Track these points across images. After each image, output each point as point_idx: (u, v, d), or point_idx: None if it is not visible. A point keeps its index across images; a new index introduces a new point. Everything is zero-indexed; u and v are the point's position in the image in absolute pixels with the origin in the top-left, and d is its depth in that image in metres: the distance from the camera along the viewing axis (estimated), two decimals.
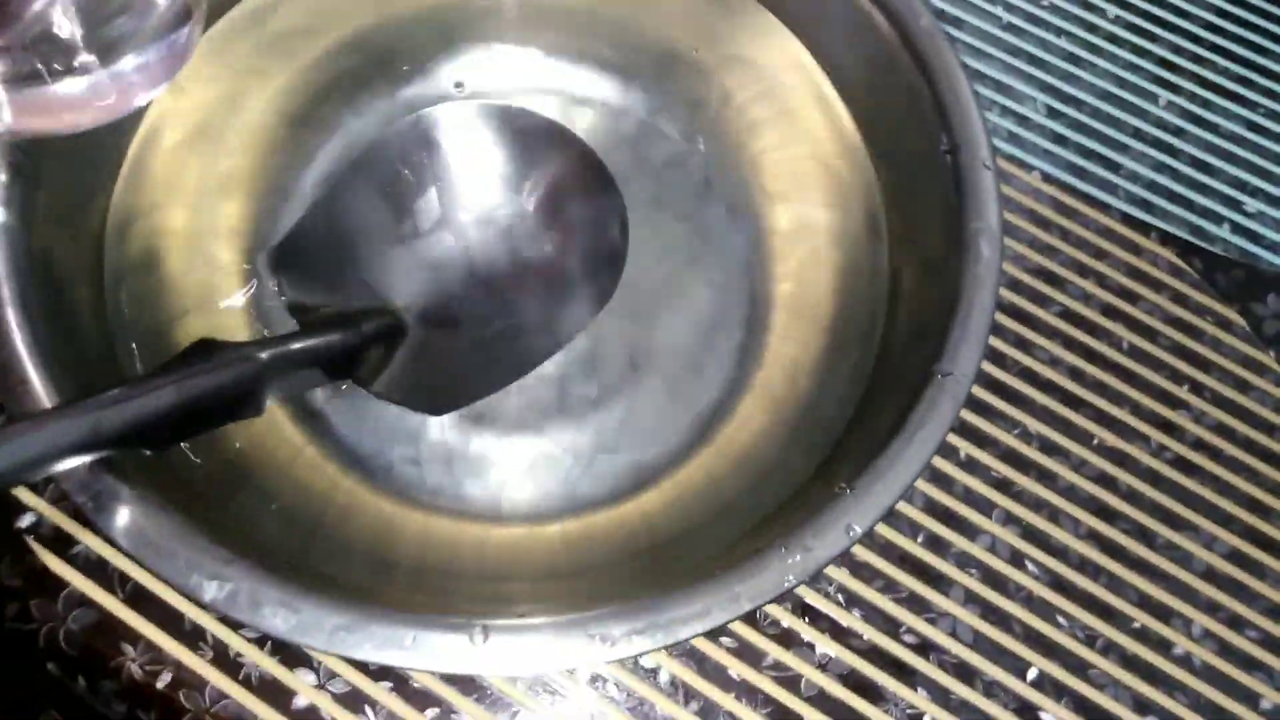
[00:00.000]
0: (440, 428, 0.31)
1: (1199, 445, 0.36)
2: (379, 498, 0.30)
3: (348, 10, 0.34)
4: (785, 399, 0.30)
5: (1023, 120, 0.41)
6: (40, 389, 0.24)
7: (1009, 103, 0.41)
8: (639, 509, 0.31)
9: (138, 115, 0.31)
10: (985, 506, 0.34)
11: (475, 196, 0.30)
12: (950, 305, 0.25)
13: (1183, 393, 0.37)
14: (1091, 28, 0.44)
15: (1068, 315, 0.37)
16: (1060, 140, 0.41)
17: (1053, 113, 0.41)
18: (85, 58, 0.24)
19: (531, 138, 0.30)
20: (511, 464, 0.31)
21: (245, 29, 0.32)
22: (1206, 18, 0.44)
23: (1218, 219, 0.40)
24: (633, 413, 0.32)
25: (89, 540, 0.31)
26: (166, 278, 0.30)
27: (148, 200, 0.31)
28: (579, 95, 0.35)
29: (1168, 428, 0.36)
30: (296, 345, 0.26)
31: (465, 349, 0.30)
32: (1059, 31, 0.43)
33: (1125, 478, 0.35)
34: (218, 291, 0.31)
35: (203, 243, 0.31)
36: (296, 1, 0.33)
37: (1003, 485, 0.35)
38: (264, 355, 0.25)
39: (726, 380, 0.31)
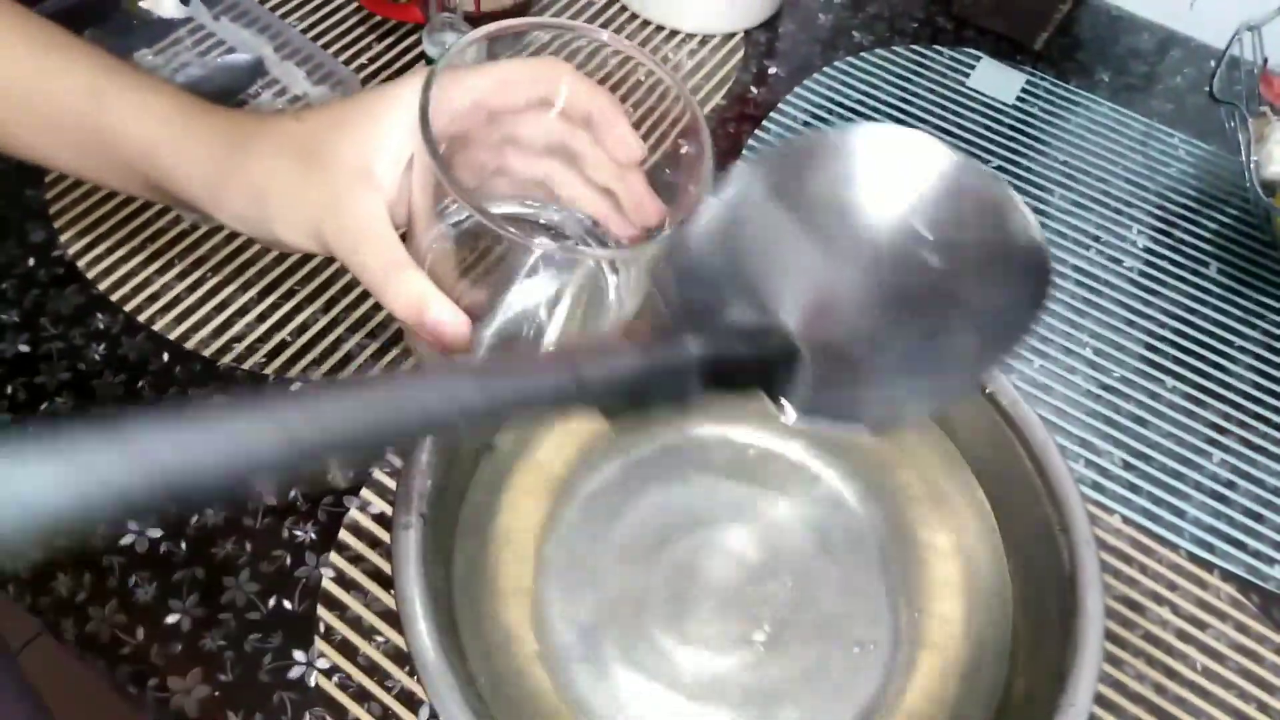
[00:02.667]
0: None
1: None
2: None
3: None
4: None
5: (1104, 471, 0.52)
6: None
7: (1092, 456, 0.52)
8: None
9: None
10: None
11: (879, 224, 0.29)
12: (1068, 652, 0.35)
13: (1250, 710, 0.45)
14: (1153, 395, 0.55)
15: (1149, 637, 0.47)
16: (1134, 489, 0.51)
17: (1127, 465, 0.52)
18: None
19: (941, 172, 0.29)
20: None
21: None
22: (1247, 390, 0.56)
23: (1270, 560, 0.50)
24: (800, 707, 0.41)
25: None
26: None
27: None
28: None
29: None
30: (717, 349, 0.27)
31: (861, 375, 0.29)
32: (1127, 398, 0.55)
33: None
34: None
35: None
36: None
37: None
38: (695, 350, 0.27)
39: (870, 703, 0.41)
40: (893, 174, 0.29)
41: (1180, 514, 0.51)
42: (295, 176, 0.32)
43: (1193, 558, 0.49)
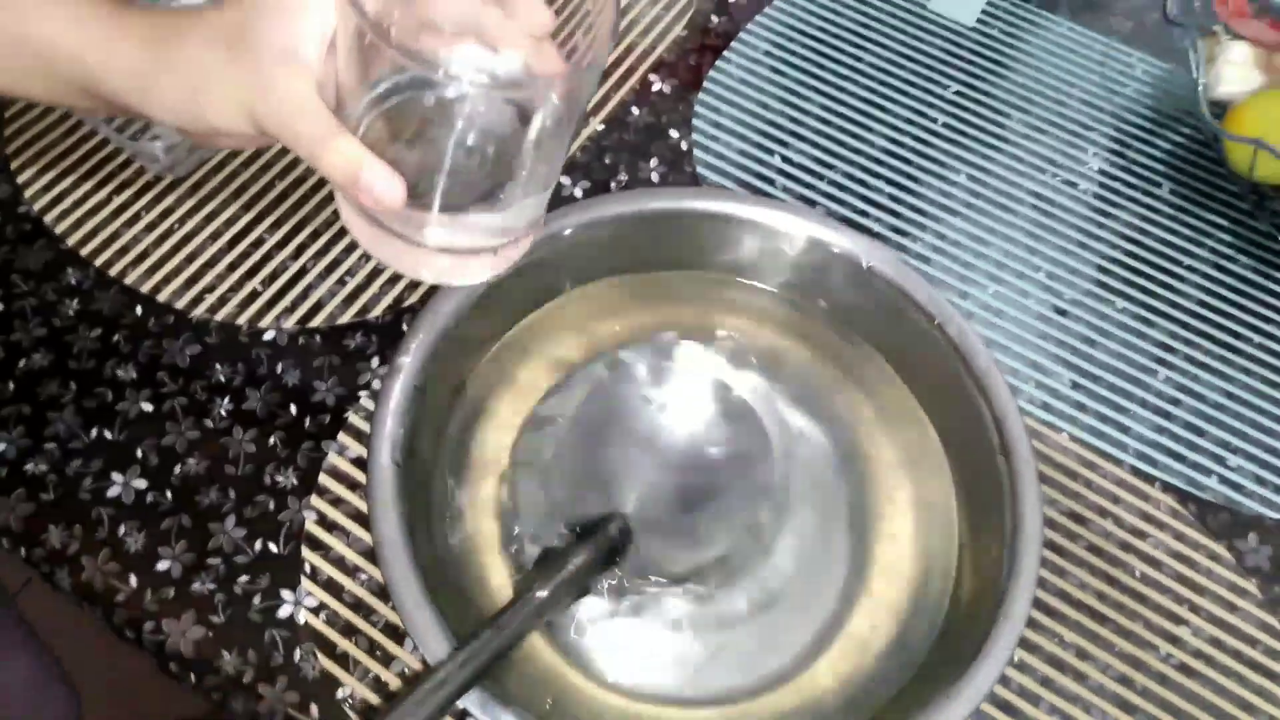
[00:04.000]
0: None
1: (1198, 654, 0.47)
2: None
3: None
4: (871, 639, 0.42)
5: (1053, 392, 0.54)
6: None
7: (1042, 378, 0.54)
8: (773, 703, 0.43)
9: None
10: (1033, 699, 0.45)
11: (679, 434, 0.47)
12: (1007, 566, 0.38)
13: (1184, 612, 0.48)
14: (1103, 316, 0.57)
15: (1092, 548, 0.49)
16: (1082, 408, 0.54)
17: (1076, 385, 0.54)
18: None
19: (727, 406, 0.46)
20: (674, 659, 0.44)
21: None
22: (1194, 309, 0.58)
23: (1207, 472, 0.52)
24: (762, 629, 0.44)
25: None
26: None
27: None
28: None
29: (1173, 639, 0.48)
30: (574, 567, 0.42)
31: (665, 546, 0.45)
32: (1078, 319, 0.57)
33: (1140, 678, 0.46)
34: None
35: None
36: None
37: (1046, 682, 0.46)
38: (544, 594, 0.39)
39: (828, 619, 0.44)
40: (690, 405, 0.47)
41: (1125, 430, 0.53)
42: (224, 64, 0.33)
43: (1136, 472, 0.52)
